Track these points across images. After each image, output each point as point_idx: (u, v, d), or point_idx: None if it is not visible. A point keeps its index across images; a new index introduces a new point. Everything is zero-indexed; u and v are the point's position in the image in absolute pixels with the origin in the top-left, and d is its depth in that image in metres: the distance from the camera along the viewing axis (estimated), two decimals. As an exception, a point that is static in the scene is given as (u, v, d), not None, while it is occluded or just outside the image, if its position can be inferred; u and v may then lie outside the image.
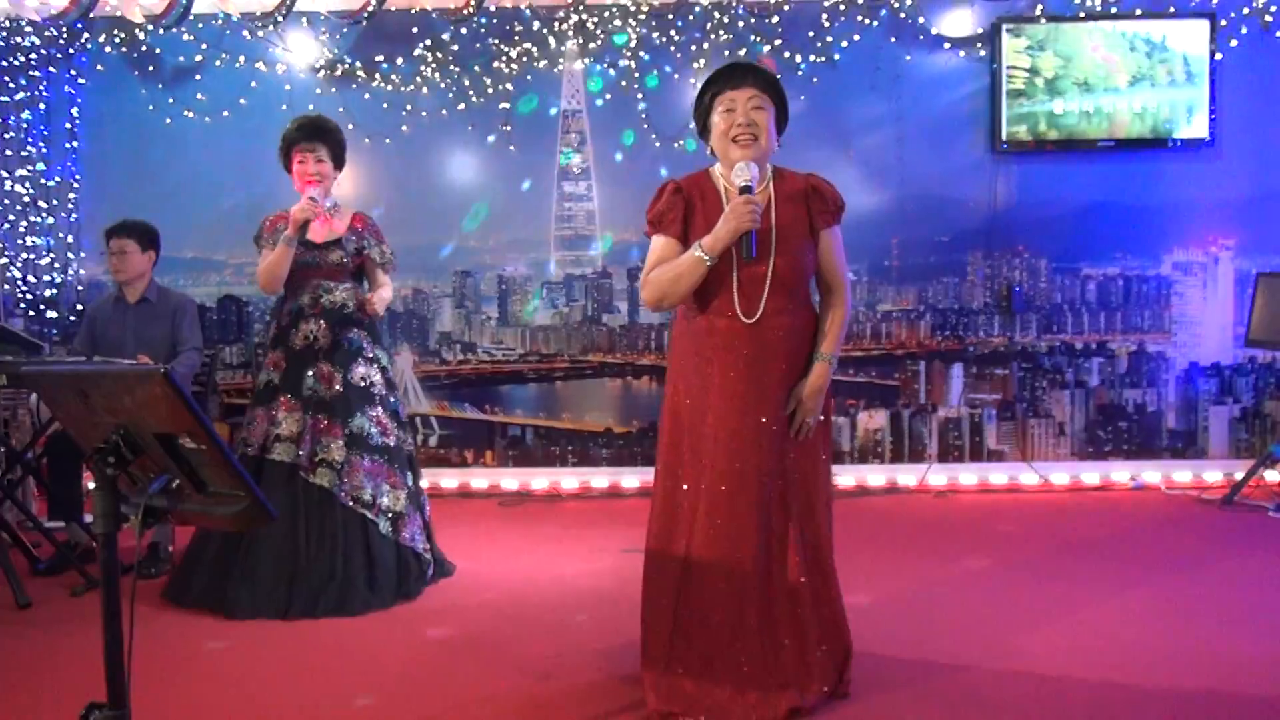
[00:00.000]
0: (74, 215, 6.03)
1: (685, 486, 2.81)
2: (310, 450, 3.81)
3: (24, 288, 5.96)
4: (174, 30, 5.73)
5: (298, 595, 3.68)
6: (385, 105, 5.90)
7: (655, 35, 5.83)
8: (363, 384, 3.91)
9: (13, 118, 5.92)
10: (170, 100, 5.94)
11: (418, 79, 5.88)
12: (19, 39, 5.87)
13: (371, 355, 3.97)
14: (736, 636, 2.74)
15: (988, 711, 2.79)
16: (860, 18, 5.76)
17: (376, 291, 3.98)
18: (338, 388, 3.87)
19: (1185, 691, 2.90)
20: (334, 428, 3.84)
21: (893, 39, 5.80)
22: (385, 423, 3.93)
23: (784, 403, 2.78)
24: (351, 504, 3.80)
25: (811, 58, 5.78)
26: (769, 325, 2.75)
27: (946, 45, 5.80)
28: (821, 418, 2.86)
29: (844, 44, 5.78)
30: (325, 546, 3.76)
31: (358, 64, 5.90)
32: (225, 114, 5.90)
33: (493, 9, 5.82)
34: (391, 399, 4.02)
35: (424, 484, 4.25)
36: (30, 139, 5.94)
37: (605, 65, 5.90)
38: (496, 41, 5.86)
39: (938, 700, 2.86)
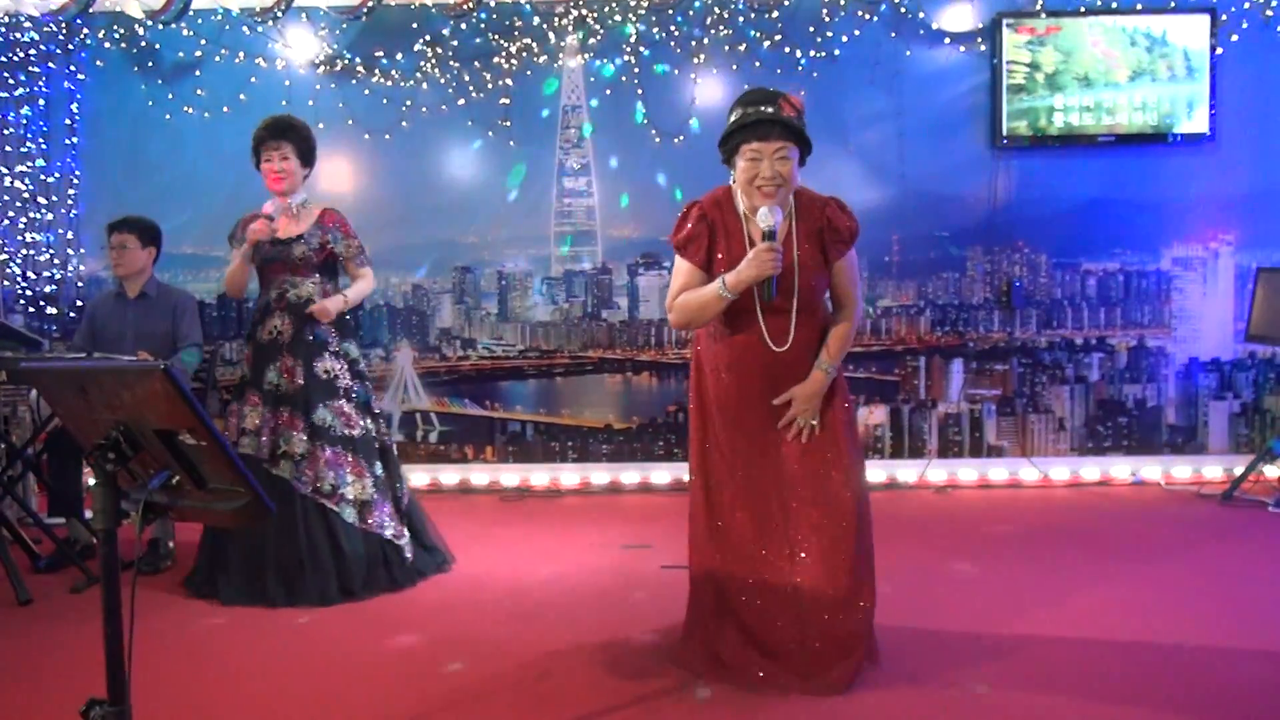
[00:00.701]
0: (74, 211, 6.03)
1: (713, 493, 2.99)
2: (271, 443, 3.88)
3: (24, 284, 5.96)
4: (173, 25, 5.72)
5: (272, 585, 3.79)
6: (385, 101, 5.90)
7: (655, 30, 5.82)
8: (325, 376, 3.96)
9: (12, 113, 5.91)
10: (170, 96, 5.93)
11: (417, 74, 5.87)
12: (19, 34, 5.86)
13: (337, 349, 4.01)
14: (754, 639, 2.92)
15: (985, 702, 2.80)
16: (860, 13, 5.75)
17: (323, 301, 3.95)
18: (299, 381, 3.92)
19: (1184, 685, 2.90)
20: (295, 420, 3.90)
21: (893, 34, 5.79)
22: (349, 414, 3.97)
23: (821, 417, 2.93)
24: (311, 493, 3.85)
25: (811, 53, 5.77)
26: (794, 350, 2.91)
27: (947, 40, 5.79)
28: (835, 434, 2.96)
29: (844, 39, 5.77)
30: (290, 537, 3.82)
31: (357, 60, 5.89)
32: (225, 110, 5.89)
33: (492, 4, 5.81)
34: (357, 390, 4.04)
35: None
36: (30, 135, 5.93)
37: (605, 60, 5.90)
38: (496, 37, 5.85)
39: (936, 691, 2.87)
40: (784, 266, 2.82)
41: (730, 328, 2.94)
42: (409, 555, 4.01)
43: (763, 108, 2.81)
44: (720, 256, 2.92)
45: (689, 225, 2.95)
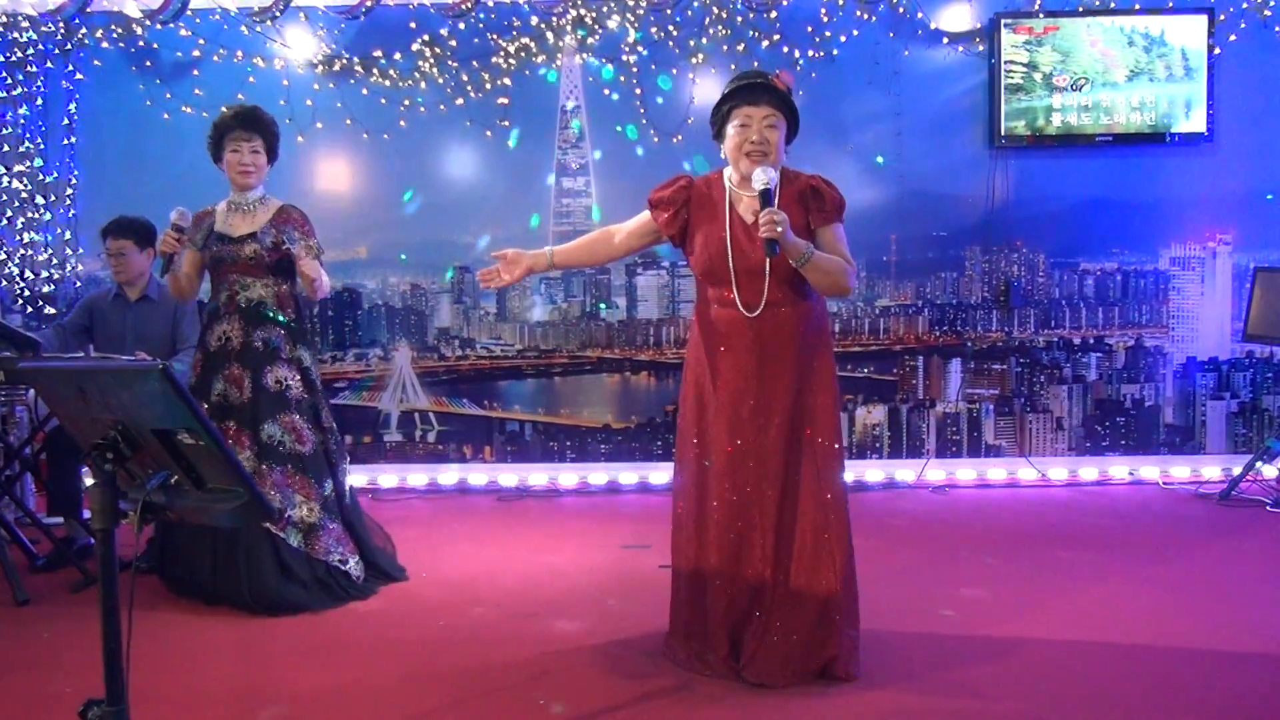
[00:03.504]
0: (72, 211, 6.02)
1: (695, 468, 3.04)
2: None
3: (22, 283, 5.96)
4: (171, 25, 5.72)
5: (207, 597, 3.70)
6: (383, 100, 5.89)
7: (653, 30, 5.81)
8: (276, 387, 3.71)
9: (10, 113, 5.90)
10: (168, 95, 5.92)
11: (415, 74, 5.86)
12: (16, 34, 5.85)
13: (289, 356, 3.77)
14: (725, 619, 2.97)
15: (984, 701, 2.80)
16: (859, 13, 5.75)
17: (308, 261, 3.70)
18: (248, 394, 3.69)
19: (1183, 685, 2.91)
20: (242, 436, 3.66)
21: (891, 34, 5.79)
22: (300, 428, 3.73)
23: (783, 393, 2.93)
24: None
25: (810, 53, 5.77)
26: (770, 317, 2.92)
27: (945, 40, 5.79)
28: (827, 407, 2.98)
29: (842, 39, 5.77)
30: (233, 561, 3.63)
31: (355, 59, 5.88)
32: (223, 109, 5.87)
33: (490, 3, 5.81)
34: (311, 401, 3.81)
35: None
36: (28, 134, 5.93)
37: (603, 60, 5.89)
38: (494, 36, 5.84)
39: (933, 691, 2.87)
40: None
41: (712, 295, 2.99)
42: (357, 576, 3.78)
43: (754, 78, 2.93)
44: (699, 237, 2.97)
45: (670, 189, 3.04)
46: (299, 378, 3.78)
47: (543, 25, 5.83)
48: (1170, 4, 5.71)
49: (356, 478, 5.84)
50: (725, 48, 5.80)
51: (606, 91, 5.90)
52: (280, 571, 3.63)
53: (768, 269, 2.87)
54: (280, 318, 3.78)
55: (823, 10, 5.75)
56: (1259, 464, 5.29)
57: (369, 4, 5.57)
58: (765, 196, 2.78)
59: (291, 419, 3.72)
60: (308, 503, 3.70)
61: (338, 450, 3.90)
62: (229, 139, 3.79)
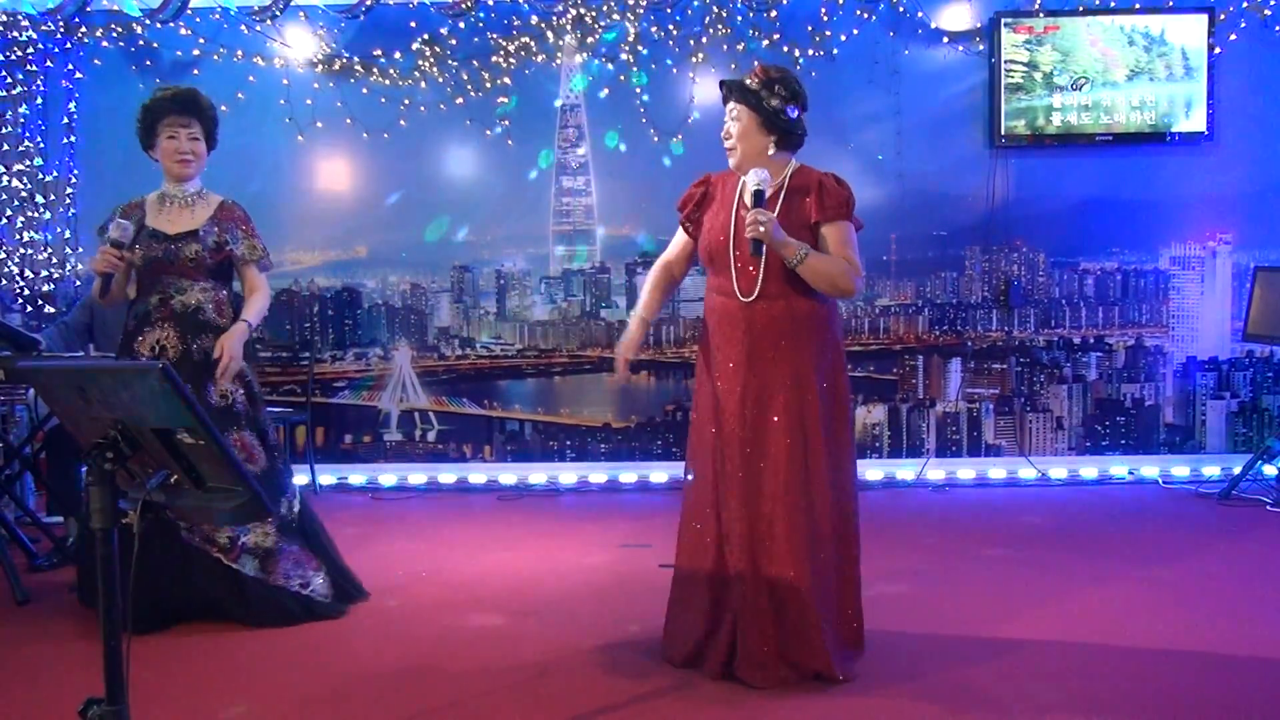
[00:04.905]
0: (71, 210, 6.03)
1: (702, 463, 3.03)
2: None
3: (21, 282, 5.95)
4: (171, 24, 5.72)
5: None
6: (383, 100, 5.89)
7: (653, 30, 5.81)
8: (222, 403, 3.41)
9: (10, 112, 5.90)
10: (168, 95, 5.92)
11: (415, 73, 5.86)
12: (16, 33, 5.85)
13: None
14: (720, 617, 2.97)
15: (984, 702, 2.80)
16: (859, 12, 5.75)
17: (228, 340, 3.37)
18: None
19: (1182, 684, 2.91)
20: None
21: (891, 33, 5.79)
22: (251, 446, 3.45)
23: (772, 386, 2.93)
24: (201, 543, 3.36)
25: (810, 52, 5.77)
26: (762, 308, 2.94)
27: (945, 39, 5.80)
28: (826, 389, 2.99)
29: (842, 38, 5.77)
30: (190, 597, 3.40)
31: (355, 58, 5.88)
32: (223, 108, 5.76)
33: (490, 3, 5.81)
34: (255, 415, 3.51)
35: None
36: (28, 133, 5.92)
37: (603, 59, 5.89)
38: (494, 36, 5.84)
39: (933, 691, 2.87)
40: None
41: (714, 283, 3.04)
42: (325, 595, 3.53)
43: (720, 82, 3.07)
44: (706, 223, 3.05)
45: (690, 189, 3.15)
46: (243, 391, 3.49)
47: (542, 24, 5.83)
48: (1170, 3, 5.71)
49: (356, 477, 5.89)
50: (725, 47, 5.80)
51: (606, 90, 5.90)
52: (235, 601, 3.41)
53: (763, 260, 2.90)
54: (220, 325, 3.46)
55: (823, 10, 5.75)
56: (1259, 463, 5.29)
57: (369, 3, 5.57)
58: (757, 198, 2.83)
59: (242, 436, 3.44)
60: (262, 525, 3.41)
61: (285, 464, 3.65)
62: (163, 124, 3.45)
